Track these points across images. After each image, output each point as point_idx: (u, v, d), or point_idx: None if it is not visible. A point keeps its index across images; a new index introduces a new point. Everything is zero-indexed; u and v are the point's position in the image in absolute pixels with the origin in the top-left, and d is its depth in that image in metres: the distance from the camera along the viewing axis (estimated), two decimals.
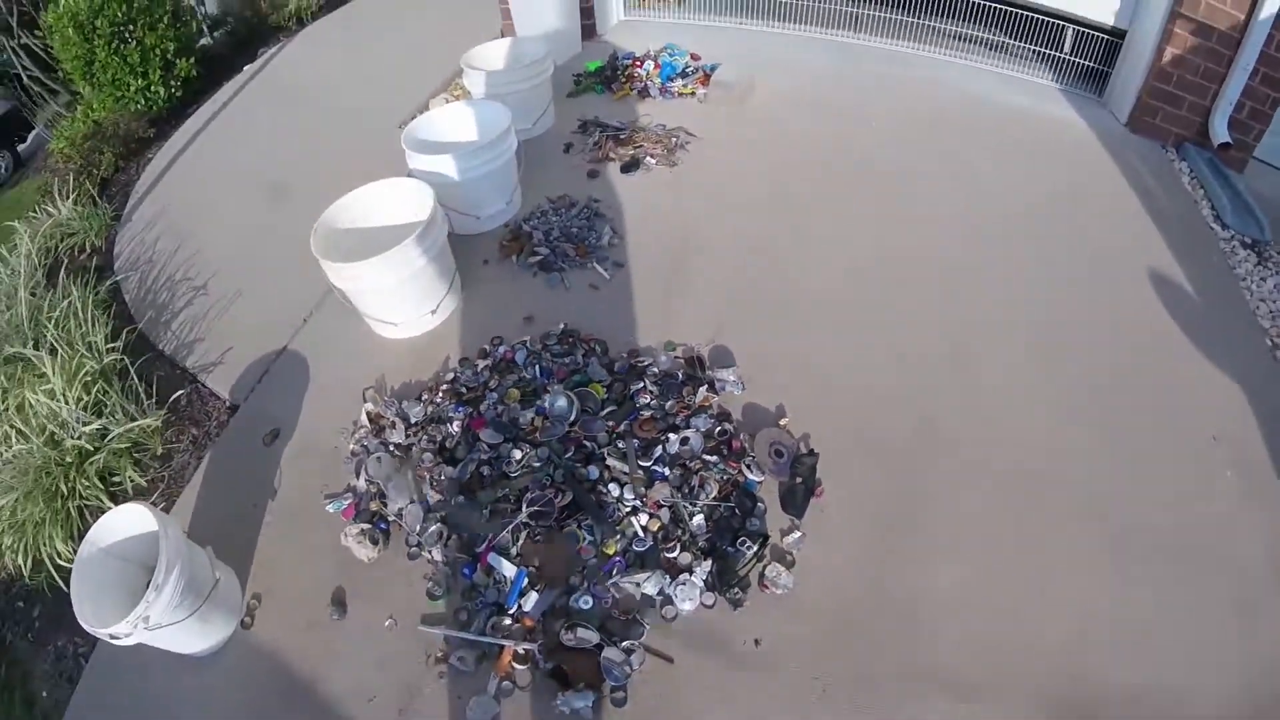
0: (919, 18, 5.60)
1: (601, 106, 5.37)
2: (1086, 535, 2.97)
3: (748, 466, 3.14)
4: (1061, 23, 5.26)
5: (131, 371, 3.96)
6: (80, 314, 4.24)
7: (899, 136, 4.88)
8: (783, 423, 3.32)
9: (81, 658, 3.20)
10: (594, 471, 3.11)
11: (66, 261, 5.28)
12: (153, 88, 6.86)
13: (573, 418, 3.26)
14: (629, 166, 4.71)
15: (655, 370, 3.48)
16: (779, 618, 2.74)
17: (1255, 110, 4.69)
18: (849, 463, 3.17)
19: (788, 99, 5.29)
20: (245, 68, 7.32)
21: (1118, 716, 2.52)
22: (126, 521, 2.93)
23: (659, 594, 2.80)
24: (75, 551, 3.30)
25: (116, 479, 3.69)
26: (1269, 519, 3.01)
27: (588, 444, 3.21)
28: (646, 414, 3.30)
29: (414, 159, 4.12)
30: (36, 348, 4.12)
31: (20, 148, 9.36)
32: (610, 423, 3.27)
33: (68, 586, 3.26)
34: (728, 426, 3.27)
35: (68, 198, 5.83)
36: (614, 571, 2.87)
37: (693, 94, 5.34)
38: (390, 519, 3.14)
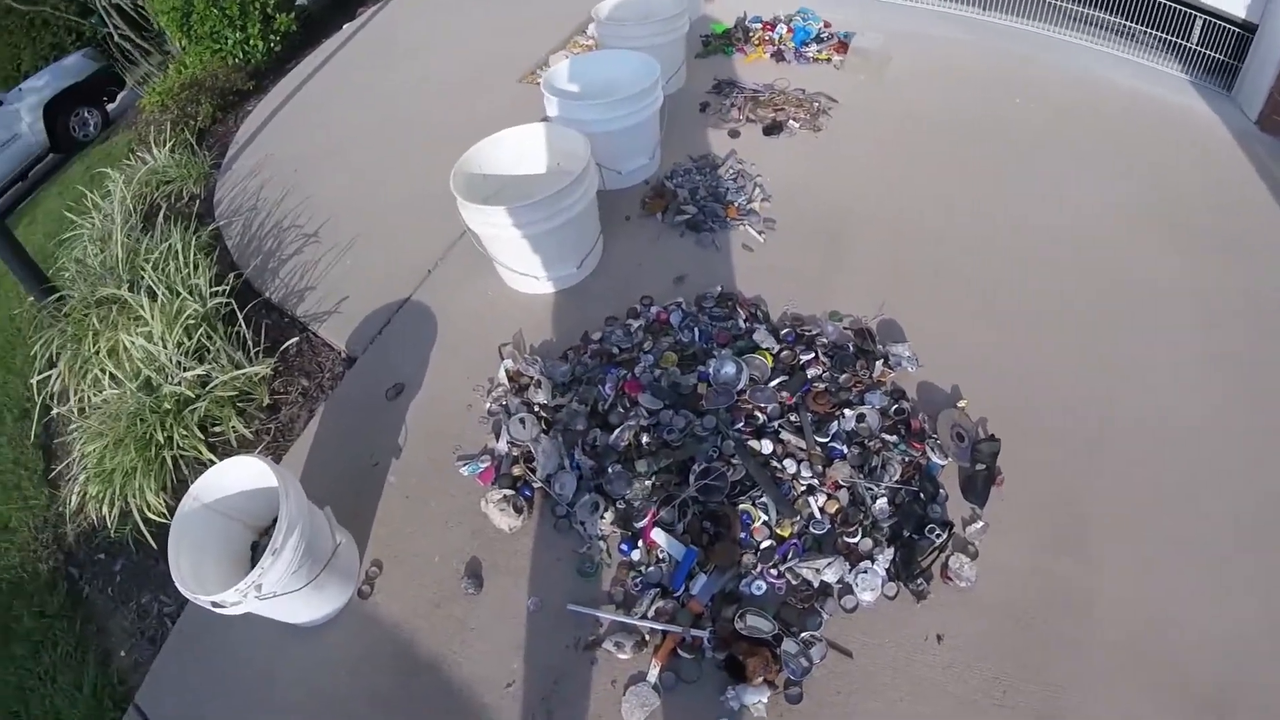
0: None
1: (733, 68, 5.00)
2: (1253, 541, 2.58)
3: (931, 449, 2.74)
4: (1191, 11, 4.80)
5: (239, 317, 3.65)
6: (181, 257, 3.96)
7: (1034, 116, 4.46)
8: (960, 404, 2.94)
9: (167, 618, 2.94)
10: (767, 445, 2.73)
11: (164, 207, 5.03)
12: (251, 41, 6.63)
13: (741, 386, 2.88)
14: (771, 129, 4.33)
15: (824, 340, 3.09)
16: (961, 613, 2.41)
17: None
18: (1024, 450, 2.78)
19: (924, 72, 4.89)
20: (345, 26, 7.05)
21: None
22: (236, 475, 2.62)
23: (838, 582, 2.46)
24: (167, 504, 3.09)
25: (218, 429, 3.41)
26: None
27: (759, 415, 2.82)
28: (819, 387, 2.91)
29: (555, 106, 3.76)
30: (133, 291, 3.84)
31: (110, 106, 9.30)
32: (783, 394, 2.88)
33: (155, 541, 3.04)
34: (904, 405, 2.91)
35: (164, 145, 5.61)
36: (789, 555, 2.52)
37: (828, 60, 4.95)
38: (536, 485, 2.77)
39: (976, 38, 5.29)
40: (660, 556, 2.56)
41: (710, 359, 2.97)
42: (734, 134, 4.35)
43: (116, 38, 8.08)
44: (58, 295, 4.08)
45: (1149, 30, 4.98)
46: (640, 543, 2.59)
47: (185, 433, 3.30)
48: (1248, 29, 4.64)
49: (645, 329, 3.20)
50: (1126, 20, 5.04)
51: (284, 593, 2.37)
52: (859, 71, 4.85)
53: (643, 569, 2.55)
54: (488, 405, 3.06)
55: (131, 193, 5.20)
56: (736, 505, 2.62)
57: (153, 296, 3.76)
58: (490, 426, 3.00)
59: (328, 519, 2.70)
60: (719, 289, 3.36)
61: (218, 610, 2.28)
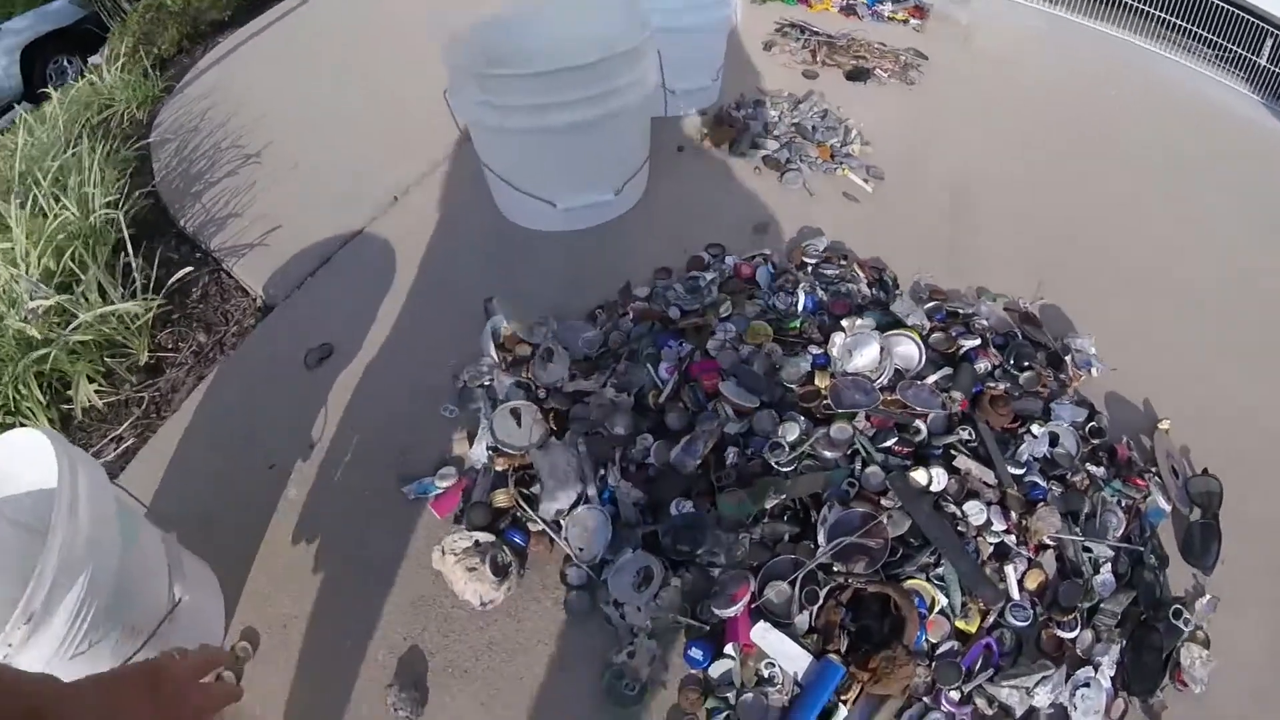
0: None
1: (798, 14, 3.75)
2: None
3: (1155, 489, 1.58)
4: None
5: (127, 240, 2.32)
6: (88, 172, 2.68)
7: (1132, 118, 3.30)
8: (1163, 425, 1.77)
9: None
10: (939, 476, 1.41)
11: (96, 126, 3.68)
12: None
13: (884, 379, 1.55)
14: (856, 74, 3.09)
15: (982, 323, 1.79)
16: None
17: None
18: (1244, 491, 1.63)
19: (1013, 51, 3.77)
20: None
21: None
22: (25, 456, 1.29)
23: (1050, 706, 1.27)
24: None
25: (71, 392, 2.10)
26: None
27: (919, 425, 1.50)
28: (996, 388, 1.60)
29: None
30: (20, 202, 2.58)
31: (92, 59, 7.94)
32: (954, 394, 1.56)
33: None
34: (1099, 422, 1.67)
35: (115, 64, 4.25)
36: (977, 665, 1.28)
37: (905, 21, 3.78)
38: (535, 528, 1.41)
39: (1056, 32, 4.21)
40: (766, 673, 1.25)
41: (836, 333, 1.63)
42: (810, 75, 3.08)
43: None
44: None
45: (1226, 43, 3.94)
46: (729, 646, 1.27)
47: (24, 391, 2.04)
48: None
49: (720, 286, 1.86)
50: (1213, 34, 3.98)
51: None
52: (942, 38, 3.65)
53: (731, 697, 1.23)
54: (460, 384, 1.69)
55: (65, 115, 3.86)
56: (900, 581, 1.31)
57: (27, 206, 2.49)
58: (461, 422, 1.64)
59: (168, 556, 1.34)
60: (825, 241, 2.04)
61: None
